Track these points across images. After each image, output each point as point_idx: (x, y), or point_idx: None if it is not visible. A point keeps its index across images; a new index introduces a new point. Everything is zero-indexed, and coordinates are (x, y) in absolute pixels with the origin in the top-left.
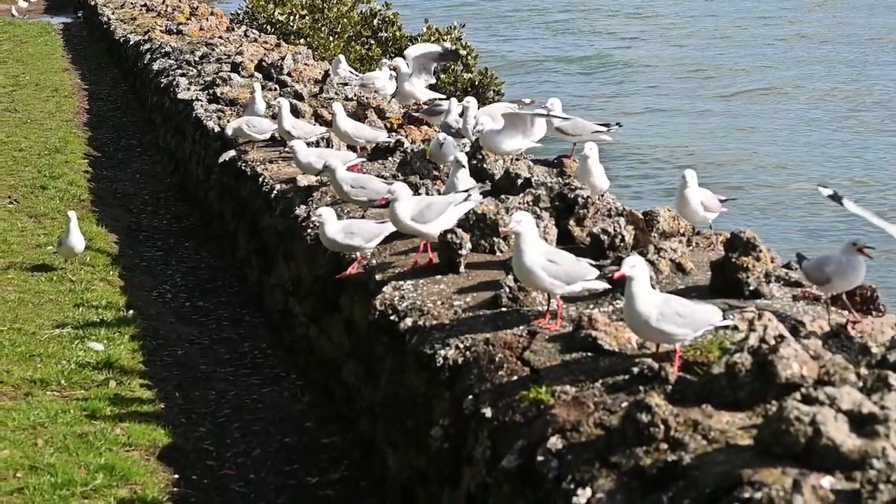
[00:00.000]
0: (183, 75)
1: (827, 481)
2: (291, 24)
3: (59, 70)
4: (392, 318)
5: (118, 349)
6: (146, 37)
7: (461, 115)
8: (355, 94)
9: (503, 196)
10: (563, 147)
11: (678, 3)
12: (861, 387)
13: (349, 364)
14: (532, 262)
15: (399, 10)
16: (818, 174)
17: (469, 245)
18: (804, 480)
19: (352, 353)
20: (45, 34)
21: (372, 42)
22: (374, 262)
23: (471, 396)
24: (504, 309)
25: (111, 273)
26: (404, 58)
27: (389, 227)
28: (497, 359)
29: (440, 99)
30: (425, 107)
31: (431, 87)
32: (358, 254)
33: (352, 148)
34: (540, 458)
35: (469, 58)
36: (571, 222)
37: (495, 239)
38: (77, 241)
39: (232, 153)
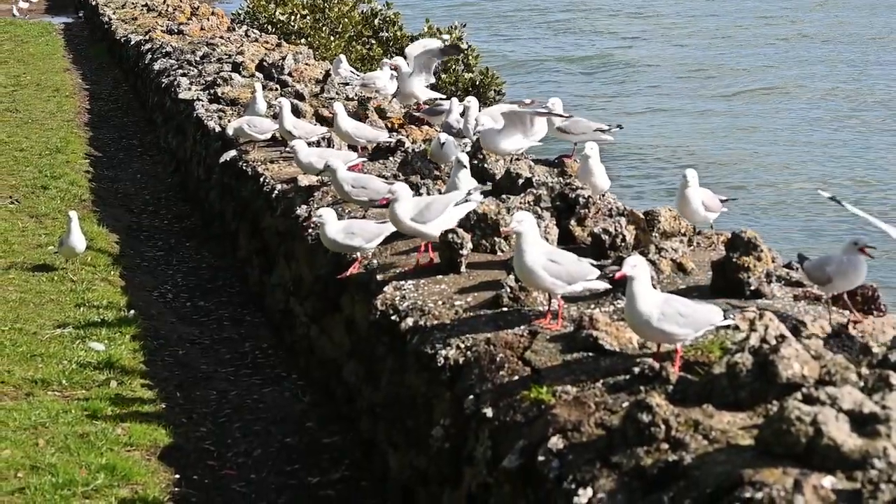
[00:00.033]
0: (184, 75)
1: (828, 481)
2: (292, 23)
3: (60, 70)
4: (393, 318)
5: (119, 349)
6: (147, 37)
7: (462, 115)
8: (356, 94)
9: (504, 196)
10: (564, 147)
11: (679, 2)
12: (862, 387)
13: (350, 364)
14: (533, 261)
15: (400, 9)
16: (820, 174)
17: (470, 245)
18: (805, 480)
19: (353, 353)
20: (46, 34)
21: (373, 42)
22: (375, 262)
23: (472, 396)
24: (505, 309)
25: (112, 273)
26: (405, 57)
27: (390, 228)
28: (498, 359)
29: (441, 99)
30: (426, 106)
31: (432, 87)
32: (359, 254)
33: (353, 148)
34: (541, 458)
35: (470, 58)
36: (572, 222)
37: (496, 239)
38: (78, 241)
39: (233, 153)
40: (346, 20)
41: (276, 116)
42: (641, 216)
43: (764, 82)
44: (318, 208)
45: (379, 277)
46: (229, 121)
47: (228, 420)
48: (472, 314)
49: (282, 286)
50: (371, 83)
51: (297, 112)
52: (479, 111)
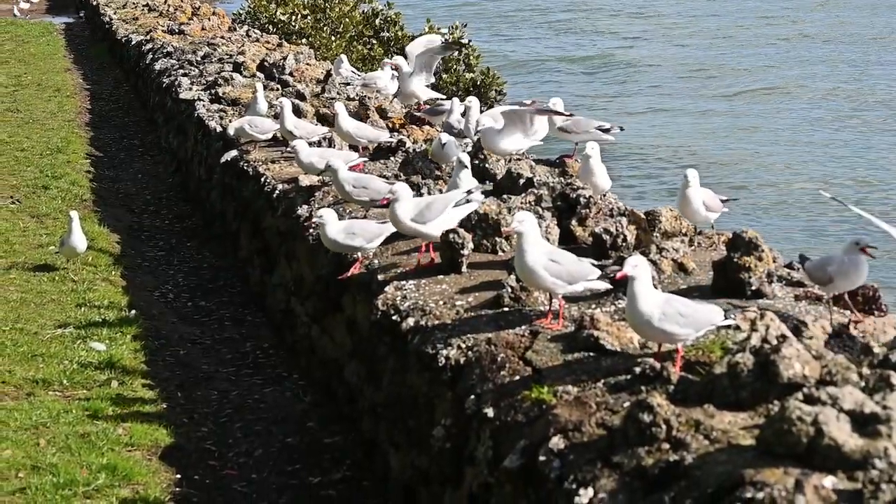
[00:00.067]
0: (185, 75)
1: (829, 481)
2: (293, 23)
3: (61, 70)
4: (394, 318)
5: (120, 349)
6: (148, 37)
7: (463, 115)
8: (357, 94)
9: (505, 196)
10: (565, 147)
11: (680, 2)
12: (863, 387)
13: (351, 364)
14: (534, 261)
15: (401, 9)
16: (821, 174)
17: (471, 245)
18: (806, 480)
19: (354, 353)
20: (47, 34)
21: (374, 42)
22: (376, 262)
23: (473, 396)
24: (506, 309)
25: (113, 273)
26: (406, 56)
27: (391, 228)
28: (499, 359)
29: (441, 99)
30: (427, 106)
31: (433, 87)
32: (360, 254)
33: (354, 148)
34: (542, 458)
35: (471, 58)
36: (573, 222)
37: (497, 239)
38: (79, 241)
39: (234, 153)
40: (347, 20)
41: (277, 116)
42: (642, 216)
43: (765, 82)
44: (319, 208)
45: (380, 277)
46: (230, 121)
47: (230, 420)
48: (473, 314)
49: (283, 286)
50: (372, 83)
51: (298, 112)
52: (481, 112)
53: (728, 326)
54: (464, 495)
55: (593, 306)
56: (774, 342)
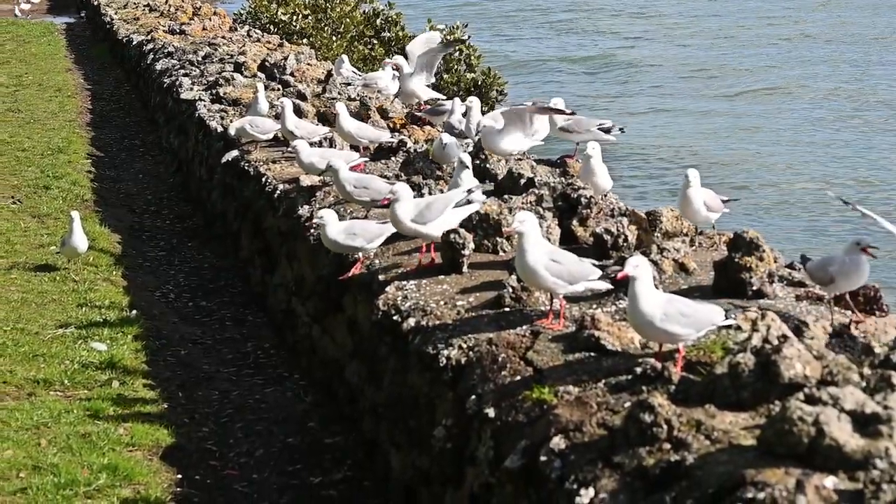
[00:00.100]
0: (186, 75)
1: (830, 481)
2: (294, 23)
3: (62, 70)
4: (395, 318)
5: (121, 349)
6: (149, 37)
7: (464, 115)
8: (358, 94)
9: (506, 196)
10: (566, 147)
11: (682, 2)
12: (864, 387)
13: (352, 364)
14: (535, 261)
15: (402, 9)
16: (822, 174)
17: (472, 245)
18: (807, 480)
19: (355, 354)
20: (48, 34)
21: (375, 42)
22: (377, 262)
23: (474, 396)
24: (507, 309)
25: (114, 273)
26: (406, 55)
27: (391, 228)
28: (500, 359)
29: (442, 100)
30: (428, 106)
31: (433, 87)
32: (361, 254)
33: (355, 148)
34: (543, 458)
35: (472, 58)
36: (574, 222)
37: (498, 239)
38: (80, 241)
39: (235, 153)
40: (348, 20)
41: (278, 116)
42: (643, 216)
43: (767, 82)
44: (320, 208)
45: (381, 278)
46: (231, 121)
47: (230, 420)
48: (474, 314)
49: (284, 286)
50: (373, 83)
51: (299, 112)
52: (483, 114)
53: (729, 326)
54: (465, 495)
55: (594, 306)
56: (775, 342)
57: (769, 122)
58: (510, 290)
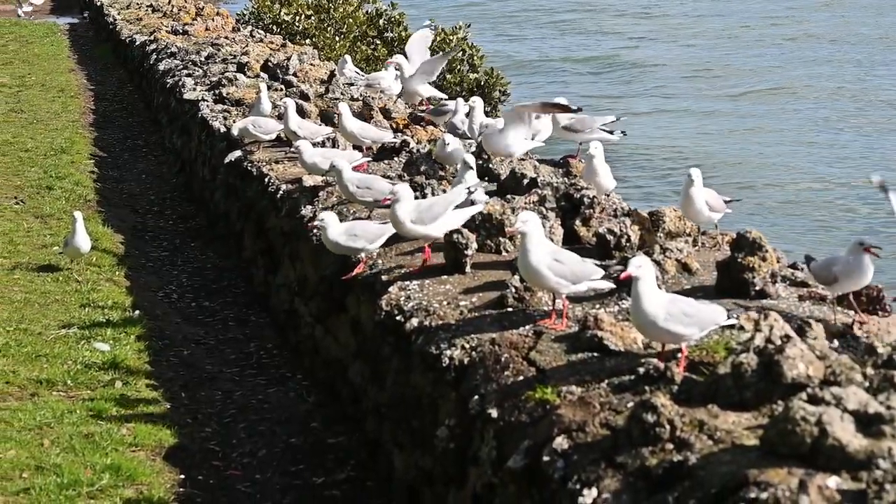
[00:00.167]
0: (189, 75)
1: (833, 481)
2: (297, 24)
3: (65, 70)
4: (398, 318)
5: (124, 349)
6: (152, 37)
7: (467, 115)
8: (361, 95)
9: (509, 196)
10: (569, 147)
11: (685, 3)
12: (867, 387)
13: (355, 364)
14: (538, 261)
15: (405, 10)
16: (826, 174)
17: (475, 245)
18: (810, 480)
19: (358, 354)
20: (51, 35)
21: (378, 42)
22: (380, 262)
23: (477, 397)
24: (510, 309)
25: (117, 273)
26: (405, 54)
27: (392, 228)
28: (503, 359)
29: (444, 99)
30: (431, 106)
31: (437, 88)
32: (363, 254)
33: (358, 148)
34: (546, 459)
35: (475, 58)
36: (577, 222)
37: (501, 239)
38: (83, 241)
39: (238, 153)
40: (350, 20)
41: (280, 117)
42: (646, 216)
43: (770, 82)
44: (321, 210)
45: (384, 278)
46: (234, 121)
47: (233, 420)
48: (476, 314)
49: (287, 286)
50: (376, 83)
51: (301, 112)
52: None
53: (732, 326)
54: (468, 496)
55: (597, 306)
56: (778, 342)
57: (773, 123)
58: (513, 290)
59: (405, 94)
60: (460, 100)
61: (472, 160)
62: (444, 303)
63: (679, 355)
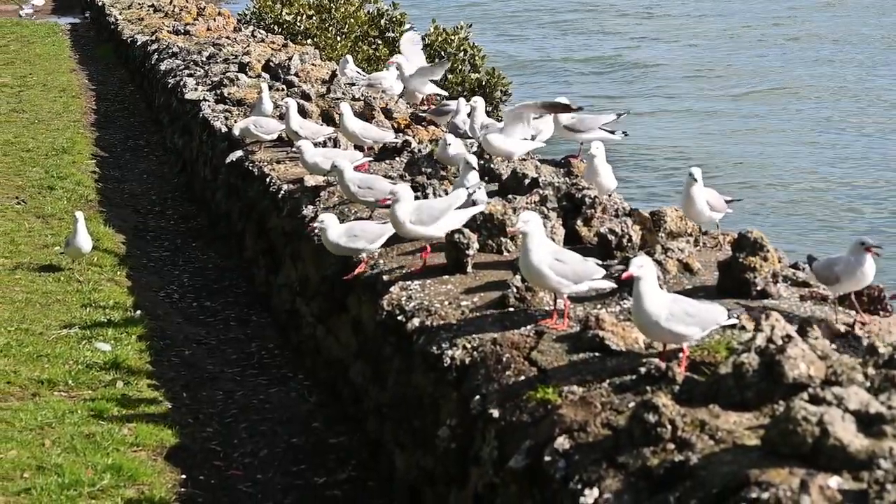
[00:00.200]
0: (190, 76)
1: (834, 481)
2: (298, 24)
3: (66, 70)
4: (399, 318)
5: (125, 349)
6: (153, 37)
7: (469, 115)
8: (362, 95)
9: (510, 196)
10: (570, 147)
11: (687, 3)
12: (868, 387)
13: (356, 364)
14: (539, 261)
15: (406, 10)
16: (828, 174)
17: (476, 245)
18: (811, 480)
19: (359, 354)
20: (53, 35)
21: (379, 42)
22: (381, 262)
23: (478, 396)
24: (511, 309)
25: (118, 273)
26: (400, 51)
27: (392, 227)
28: (504, 359)
29: (447, 98)
30: (433, 105)
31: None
32: (364, 254)
33: (359, 148)
34: (547, 459)
35: (476, 58)
36: (579, 222)
37: (502, 239)
38: (84, 241)
39: (239, 153)
40: (352, 20)
41: (282, 117)
42: (648, 216)
43: (772, 83)
44: (324, 209)
45: (385, 278)
46: (235, 121)
47: (235, 420)
48: (478, 314)
49: (288, 286)
50: (377, 83)
51: (303, 112)
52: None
53: (733, 326)
54: (469, 495)
55: (598, 306)
56: (780, 342)
57: (775, 123)
58: (514, 290)
59: (407, 93)
60: (462, 100)
61: (474, 160)
62: (446, 303)
63: (680, 355)
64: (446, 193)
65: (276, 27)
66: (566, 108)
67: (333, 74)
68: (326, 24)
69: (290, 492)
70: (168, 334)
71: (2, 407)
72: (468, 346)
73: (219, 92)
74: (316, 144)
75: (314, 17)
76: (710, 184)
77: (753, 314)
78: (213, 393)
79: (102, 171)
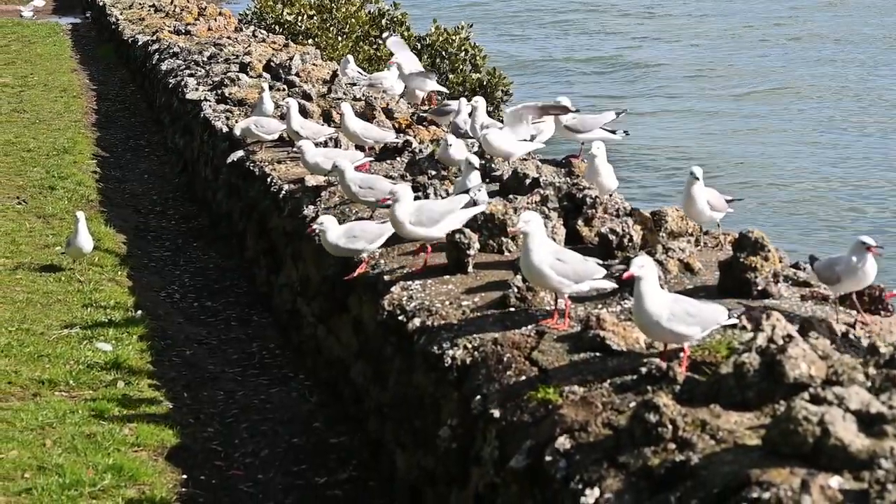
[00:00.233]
0: (191, 76)
1: (835, 481)
2: (300, 24)
3: (67, 70)
4: (400, 318)
5: (126, 349)
6: (154, 37)
7: (470, 115)
8: (363, 95)
9: (511, 196)
10: (571, 147)
11: (689, 3)
12: (869, 387)
13: (357, 364)
14: (540, 260)
15: (407, 9)
16: (829, 174)
17: (477, 245)
18: (812, 480)
19: (360, 354)
20: (54, 35)
21: (380, 42)
22: (382, 262)
23: (479, 396)
24: (512, 309)
25: (119, 273)
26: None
27: (391, 227)
28: (505, 359)
29: (448, 98)
30: (434, 106)
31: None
32: (365, 255)
33: (360, 148)
34: (548, 458)
35: (477, 58)
36: (580, 222)
37: (503, 239)
38: (85, 241)
39: (240, 153)
40: (353, 20)
41: (283, 117)
42: (648, 216)
43: (774, 83)
44: (325, 209)
45: (386, 278)
46: (237, 121)
47: (236, 420)
48: (479, 314)
49: (289, 286)
50: (378, 83)
51: (304, 112)
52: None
53: (734, 326)
54: (470, 495)
55: (599, 306)
56: (780, 342)
57: (776, 123)
58: (515, 290)
59: (408, 94)
60: (463, 100)
61: (476, 161)
62: (447, 303)
63: (681, 355)
64: (448, 193)
65: (277, 27)
66: (565, 110)
67: (334, 74)
68: (327, 24)
69: (290, 492)
70: (169, 334)
71: (3, 407)
72: (469, 346)
73: (220, 92)
74: (317, 144)
75: (315, 17)
76: (711, 183)
77: (754, 314)
78: (214, 393)
79: (103, 171)
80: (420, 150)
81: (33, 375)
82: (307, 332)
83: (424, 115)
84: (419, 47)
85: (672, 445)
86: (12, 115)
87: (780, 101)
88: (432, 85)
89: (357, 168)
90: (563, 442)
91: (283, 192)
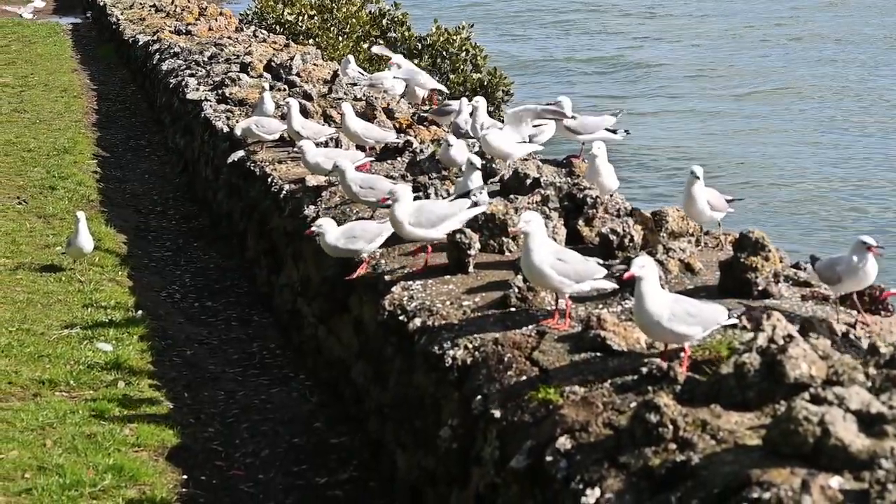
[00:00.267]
0: (192, 76)
1: (835, 481)
2: (300, 24)
3: (67, 70)
4: (401, 318)
5: (127, 350)
6: (155, 37)
7: (471, 115)
8: (364, 95)
9: (512, 196)
10: (572, 147)
11: (690, 3)
12: (870, 387)
13: (358, 364)
14: (541, 260)
15: (408, 9)
16: (830, 174)
17: (478, 245)
18: (813, 480)
19: (361, 354)
20: (54, 35)
21: (381, 42)
22: (382, 262)
23: (479, 397)
24: (513, 309)
25: (120, 273)
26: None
27: (391, 227)
28: (506, 359)
29: (448, 98)
30: (435, 105)
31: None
32: (365, 255)
33: (361, 148)
34: (549, 459)
35: (478, 58)
36: (580, 222)
37: (504, 239)
38: (86, 241)
39: (241, 153)
40: (353, 20)
41: (284, 117)
42: (649, 216)
43: (775, 83)
44: (325, 209)
45: (387, 278)
46: (237, 121)
47: (236, 420)
48: (479, 314)
49: (290, 286)
50: (379, 83)
51: (305, 112)
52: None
53: (734, 326)
54: (470, 496)
55: (600, 306)
56: (781, 342)
57: (777, 123)
58: (516, 290)
59: (408, 93)
60: (464, 100)
61: (478, 161)
62: (447, 303)
63: (682, 355)
64: (448, 194)
65: (277, 27)
66: (563, 117)
67: (335, 74)
68: (328, 24)
69: (291, 492)
70: (169, 334)
71: (3, 407)
72: (470, 346)
73: (220, 92)
74: (318, 144)
75: (316, 17)
76: (712, 183)
77: (755, 314)
78: (215, 393)
79: (104, 171)
80: (421, 151)
81: (34, 375)
82: (308, 332)
83: (425, 115)
84: (420, 47)
85: (673, 445)
86: (13, 115)
87: (781, 101)
88: (433, 84)
89: (358, 168)
90: (563, 442)
91: (284, 192)
